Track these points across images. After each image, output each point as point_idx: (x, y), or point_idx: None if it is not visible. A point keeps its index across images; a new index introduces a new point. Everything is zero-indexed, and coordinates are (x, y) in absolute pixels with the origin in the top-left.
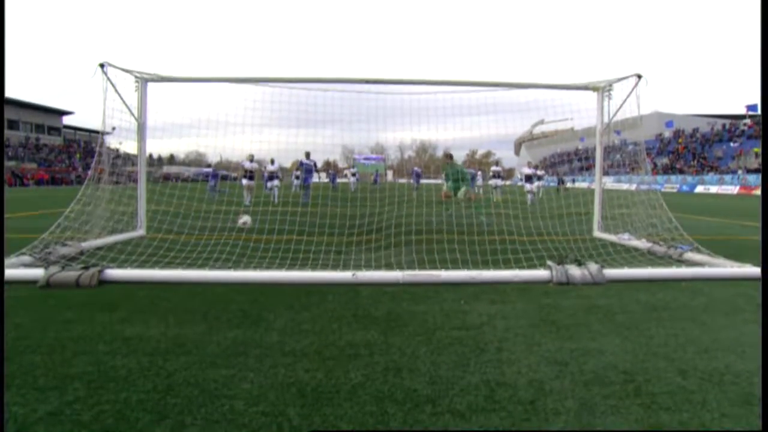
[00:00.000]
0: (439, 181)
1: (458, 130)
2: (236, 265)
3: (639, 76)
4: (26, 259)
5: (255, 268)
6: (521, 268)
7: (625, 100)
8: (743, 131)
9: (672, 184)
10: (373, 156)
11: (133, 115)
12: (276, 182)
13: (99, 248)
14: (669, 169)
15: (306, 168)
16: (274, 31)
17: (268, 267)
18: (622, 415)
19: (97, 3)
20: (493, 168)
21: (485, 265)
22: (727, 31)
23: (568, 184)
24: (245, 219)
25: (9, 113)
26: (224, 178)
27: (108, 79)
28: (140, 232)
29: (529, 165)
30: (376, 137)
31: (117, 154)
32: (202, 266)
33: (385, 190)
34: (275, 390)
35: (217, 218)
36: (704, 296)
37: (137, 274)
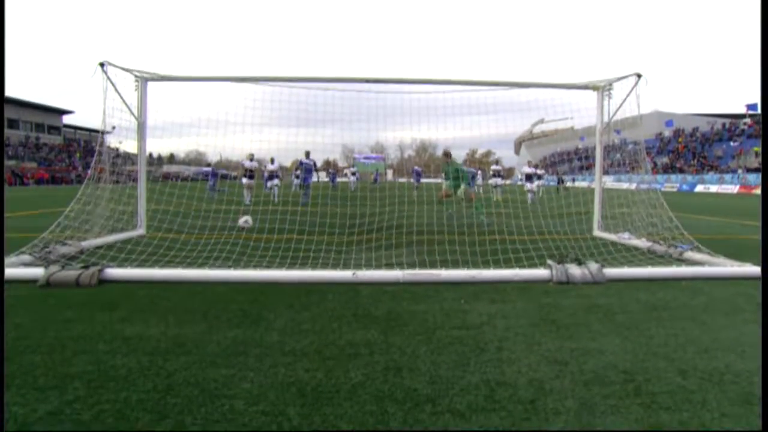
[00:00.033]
0: (439, 181)
1: (458, 129)
2: (236, 264)
3: (639, 76)
4: (26, 258)
5: (255, 267)
6: (521, 267)
7: (624, 100)
8: (743, 130)
9: (672, 183)
10: (373, 155)
11: (133, 114)
12: (276, 181)
13: (99, 247)
14: (669, 169)
15: (306, 167)
16: (274, 31)
17: (268, 266)
18: (622, 414)
19: (97, 3)
20: (493, 167)
21: (485, 264)
22: (726, 30)
23: (568, 184)
24: (246, 218)
25: (9, 112)
26: (224, 177)
27: (108, 78)
28: (140, 231)
29: (529, 164)
30: (376, 136)
31: (117, 153)
32: (202, 265)
33: (385, 189)
34: (275, 390)
35: (217, 217)
36: (704, 295)
37: (137, 274)
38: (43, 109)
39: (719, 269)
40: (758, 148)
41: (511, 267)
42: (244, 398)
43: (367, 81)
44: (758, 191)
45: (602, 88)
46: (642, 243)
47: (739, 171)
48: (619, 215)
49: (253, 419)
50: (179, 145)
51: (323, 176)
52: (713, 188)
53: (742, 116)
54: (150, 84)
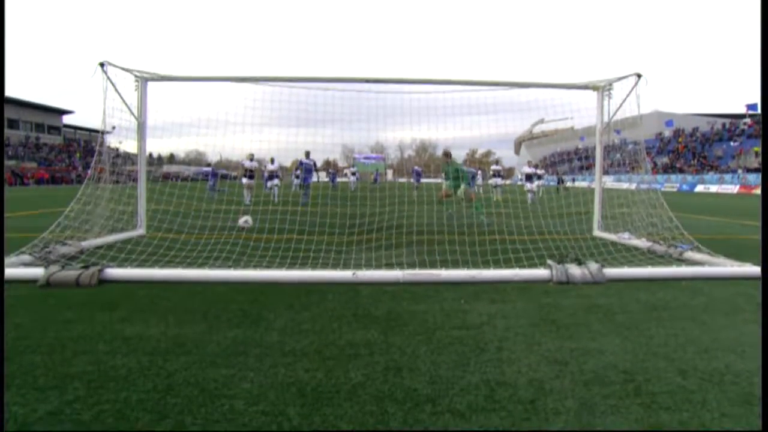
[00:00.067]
0: (439, 181)
1: (458, 129)
2: (236, 264)
3: (639, 76)
4: (26, 258)
5: (255, 267)
6: (521, 267)
7: (624, 100)
8: (743, 130)
9: (672, 183)
10: (373, 155)
11: (133, 114)
12: (276, 181)
13: (99, 247)
14: (669, 169)
15: (306, 167)
16: (274, 31)
17: (268, 266)
18: (622, 414)
19: (97, 3)
20: (494, 167)
21: (485, 264)
22: (726, 30)
23: (568, 184)
24: (246, 218)
25: (9, 112)
26: (224, 177)
27: (108, 78)
28: (140, 231)
29: (529, 164)
30: (376, 136)
31: (117, 153)
32: (202, 265)
33: (385, 189)
34: (275, 390)
35: (217, 217)
36: (704, 295)
37: (137, 274)
38: (43, 109)
39: (719, 269)
40: (758, 148)
41: (511, 267)
42: (244, 398)
43: (367, 81)
44: (758, 191)
45: (602, 88)
46: (642, 243)
47: (739, 171)
48: (619, 215)
49: (253, 419)
50: (179, 145)
51: (323, 176)
52: (713, 188)
53: (742, 116)
54: (150, 84)
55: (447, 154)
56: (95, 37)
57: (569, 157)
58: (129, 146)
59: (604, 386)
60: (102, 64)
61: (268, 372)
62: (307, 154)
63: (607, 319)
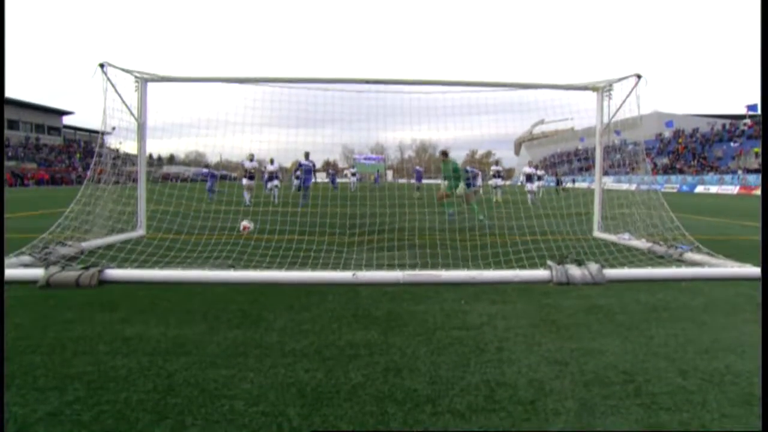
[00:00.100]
0: (439, 181)
1: (458, 129)
2: (236, 263)
3: (639, 76)
4: (26, 259)
5: (255, 267)
6: (521, 268)
7: (624, 100)
8: (743, 131)
9: (672, 184)
10: (373, 156)
11: (133, 115)
12: (276, 182)
13: (99, 248)
14: (669, 169)
15: (305, 168)
16: (274, 32)
17: (268, 267)
18: (622, 415)
19: (97, 3)
20: (494, 168)
21: (485, 265)
22: (726, 31)
23: (568, 185)
24: (246, 224)
25: (9, 113)
26: (224, 178)
27: (108, 79)
28: (140, 231)
29: (530, 164)
30: (376, 137)
31: (117, 154)
32: (202, 266)
33: (385, 189)
34: (275, 390)
35: (217, 218)
36: (704, 296)
37: (137, 274)
38: (43, 109)
39: (719, 270)
40: (758, 149)
41: (512, 268)
42: (244, 399)
43: (367, 82)
44: (758, 192)
45: (602, 89)
46: (642, 244)
47: (739, 172)
48: (619, 216)
49: (253, 420)
50: (179, 146)
51: (323, 177)
52: (713, 189)
53: (742, 117)
54: (150, 85)
55: (444, 153)
56: (95, 37)
57: (569, 158)
58: (129, 147)
59: (605, 387)
60: (102, 65)
61: (268, 372)
62: (307, 155)
63: (608, 320)
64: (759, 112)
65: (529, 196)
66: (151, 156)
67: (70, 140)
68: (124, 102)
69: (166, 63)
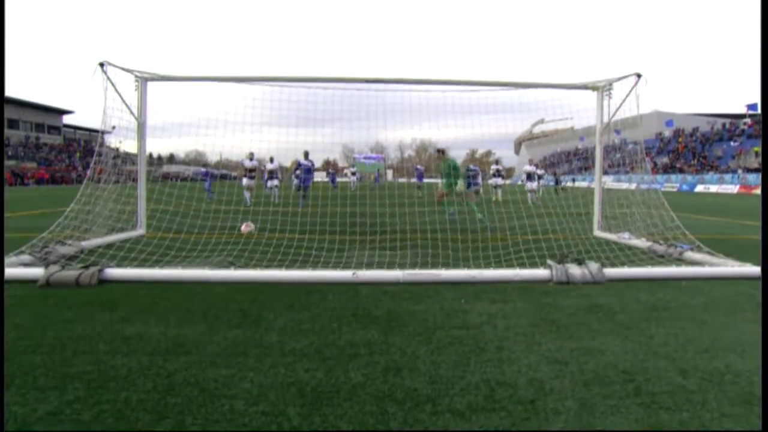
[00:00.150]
0: (438, 181)
1: (458, 128)
2: (236, 261)
3: (639, 76)
4: (26, 258)
5: (255, 267)
6: (521, 267)
7: (624, 100)
8: (743, 130)
9: (672, 183)
10: (374, 155)
11: (133, 114)
12: (276, 182)
13: (99, 247)
14: (669, 169)
15: (305, 168)
16: (273, 31)
17: (268, 266)
18: (622, 414)
19: (97, 3)
20: (494, 167)
21: (486, 264)
22: (727, 30)
23: (568, 184)
24: (247, 225)
25: (9, 112)
26: (224, 177)
27: (108, 78)
28: (140, 231)
29: (530, 162)
30: (375, 136)
31: (117, 153)
32: (201, 265)
33: (385, 189)
34: (275, 390)
35: (217, 217)
36: (704, 295)
37: (137, 274)
38: (43, 109)
39: (719, 269)
40: (758, 148)
41: (512, 267)
42: (244, 398)
43: (367, 81)
44: (758, 191)
45: (602, 88)
46: (642, 243)
47: (739, 171)
48: (620, 215)
49: (253, 419)
50: (179, 145)
51: (322, 176)
52: (713, 188)
53: (742, 116)
54: (150, 84)
55: (441, 151)
56: (95, 37)
57: (569, 158)
58: (129, 146)
59: (604, 386)
60: (102, 64)
61: (268, 372)
62: (306, 154)
63: (608, 319)
64: (759, 111)
65: (529, 195)
66: (151, 155)
67: (70, 139)
68: (124, 101)
69: (166, 62)
